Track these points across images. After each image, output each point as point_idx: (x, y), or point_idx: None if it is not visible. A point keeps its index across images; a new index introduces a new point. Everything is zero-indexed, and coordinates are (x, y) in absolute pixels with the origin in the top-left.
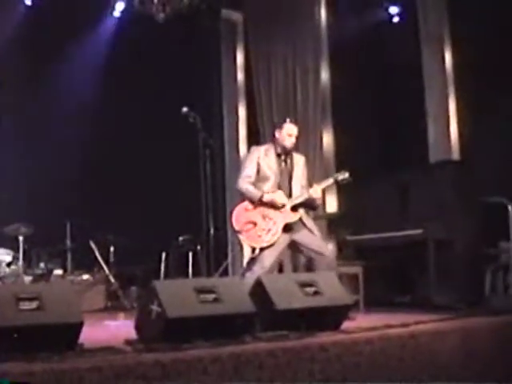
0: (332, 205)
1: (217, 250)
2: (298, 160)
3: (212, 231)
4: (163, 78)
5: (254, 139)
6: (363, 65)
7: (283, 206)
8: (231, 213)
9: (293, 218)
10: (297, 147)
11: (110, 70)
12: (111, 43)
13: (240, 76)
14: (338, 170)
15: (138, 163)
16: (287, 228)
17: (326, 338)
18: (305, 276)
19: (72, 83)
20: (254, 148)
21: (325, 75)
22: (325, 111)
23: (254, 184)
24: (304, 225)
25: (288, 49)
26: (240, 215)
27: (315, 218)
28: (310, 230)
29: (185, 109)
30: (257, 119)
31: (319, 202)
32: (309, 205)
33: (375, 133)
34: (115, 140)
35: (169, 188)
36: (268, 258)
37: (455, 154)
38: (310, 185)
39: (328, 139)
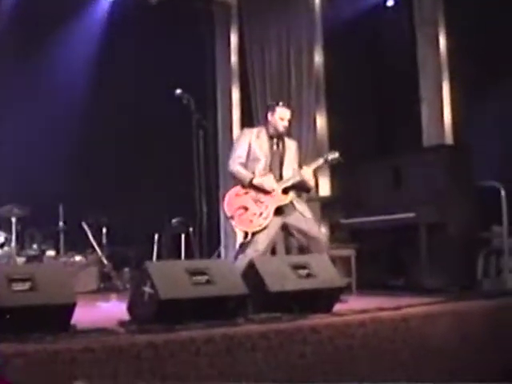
0: (325, 188)
1: (209, 233)
2: (291, 145)
3: (205, 213)
4: (157, 61)
5: (248, 121)
6: (357, 48)
7: (273, 190)
8: (223, 198)
9: (283, 200)
10: (289, 131)
11: (102, 52)
12: (104, 26)
13: (234, 58)
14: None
15: (131, 145)
16: (279, 211)
17: (318, 320)
18: (297, 258)
19: (64, 66)
20: (246, 129)
21: (319, 58)
22: (318, 94)
23: (245, 165)
24: (295, 208)
25: (282, 31)
26: (231, 201)
27: (308, 201)
28: (302, 213)
29: (178, 90)
30: (250, 101)
31: (311, 184)
32: (301, 187)
33: (369, 116)
34: (108, 122)
35: (162, 170)
36: (261, 242)
37: (448, 139)
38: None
39: (322, 122)
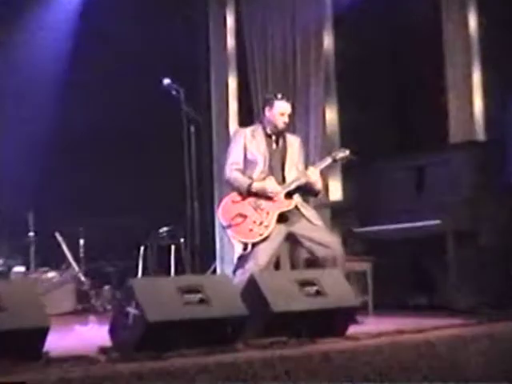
0: (336, 192)
1: (203, 244)
2: (293, 141)
3: (198, 221)
4: (143, 45)
5: (247, 115)
6: (373, 30)
7: (275, 194)
8: (218, 205)
9: (287, 205)
10: (291, 127)
11: (83, 34)
12: (81, 6)
13: (230, 42)
14: None
15: (111, 144)
16: (283, 218)
17: (329, 345)
18: (305, 273)
19: (38, 52)
20: (237, 130)
21: (328, 42)
22: (328, 84)
23: (243, 171)
24: (302, 214)
25: (286, 10)
26: (228, 207)
27: (316, 207)
28: (310, 220)
29: (167, 80)
30: (250, 92)
31: (319, 186)
32: (307, 190)
33: (387, 108)
34: (86, 117)
35: (148, 172)
36: (262, 254)
37: (479, 134)
38: (307, 169)
39: (332, 116)
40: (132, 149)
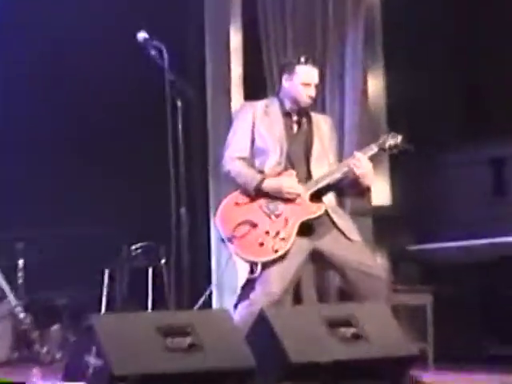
0: (382, 194)
1: (193, 265)
2: (322, 123)
3: (186, 234)
4: None
5: (256, 86)
6: None
7: (297, 195)
8: (215, 211)
9: (314, 212)
10: (319, 103)
11: None
12: None
13: None
14: None
15: (67, 128)
16: (307, 230)
17: None
18: (338, 309)
19: None
20: (243, 106)
21: None
22: (373, 46)
23: (251, 163)
24: (334, 224)
25: None
26: (229, 213)
27: (354, 214)
28: (344, 233)
29: (142, 34)
30: (260, 52)
31: (369, 180)
32: (351, 186)
33: (454, 86)
34: (35, 95)
35: (117, 167)
36: (277, 280)
37: None
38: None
39: (376, 88)
40: (96, 135)
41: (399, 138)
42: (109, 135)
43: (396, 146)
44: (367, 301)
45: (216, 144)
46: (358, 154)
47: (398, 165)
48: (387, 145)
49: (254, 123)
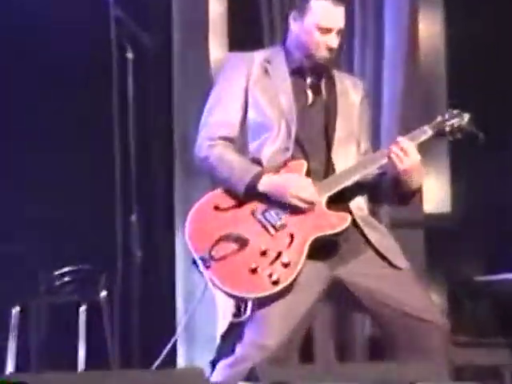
0: (436, 198)
1: (148, 301)
2: (350, 90)
3: (138, 255)
4: None
5: (248, 32)
6: None
7: (309, 200)
8: (185, 216)
9: (334, 225)
10: (345, 59)
11: None
12: None
13: None
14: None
15: None
16: (323, 251)
17: None
18: (370, 372)
19: None
20: (233, 58)
21: None
22: None
23: (241, 146)
24: (368, 242)
25: None
26: (205, 222)
27: (395, 227)
28: (385, 257)
29: None
30: None
31: (418, 179)
32: (392, 186)
33: None
34: None
35: (43, 158)
36: (275, 326)
37: None
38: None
39: (431, 42)
40: (17, 118)
41: (466, 118)
42: (38, 108)
43: (461, 128)
44: (416, 359)
45: (185, 118)
46: (402, 140)
47: (463, 158)
48: (448, 127)
49: (247, 87)
